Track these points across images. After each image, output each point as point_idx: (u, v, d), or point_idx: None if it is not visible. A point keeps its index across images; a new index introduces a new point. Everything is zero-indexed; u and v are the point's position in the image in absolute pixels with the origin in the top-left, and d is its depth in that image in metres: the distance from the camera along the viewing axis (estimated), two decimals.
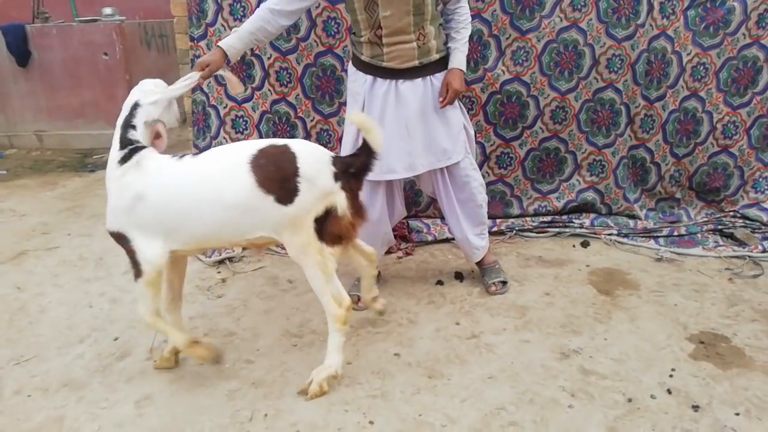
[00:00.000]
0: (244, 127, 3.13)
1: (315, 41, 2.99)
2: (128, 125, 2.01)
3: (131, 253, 1.97)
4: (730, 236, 3.15)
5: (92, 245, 3.32)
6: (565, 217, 3.36)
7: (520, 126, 3.19)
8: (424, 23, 2.28)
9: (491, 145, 3.23)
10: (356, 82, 2.45)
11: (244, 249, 3.06)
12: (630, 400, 1.97)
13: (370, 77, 2.40)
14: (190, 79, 2.16)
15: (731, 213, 3.32)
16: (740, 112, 3.19)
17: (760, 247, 2.99)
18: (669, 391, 2.01)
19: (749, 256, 2.94)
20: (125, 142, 1.99)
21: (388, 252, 3.04)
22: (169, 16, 3.09)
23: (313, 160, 1.92)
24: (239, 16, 2.96)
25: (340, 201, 1.94)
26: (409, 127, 2.39)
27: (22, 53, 5.34)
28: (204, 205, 1.89)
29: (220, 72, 2.28)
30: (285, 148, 1.92)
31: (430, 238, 3.24)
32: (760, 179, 3.31)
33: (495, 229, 3.22)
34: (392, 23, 2.24)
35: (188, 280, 2.82)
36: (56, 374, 2.19)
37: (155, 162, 1.96)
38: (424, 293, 2.72)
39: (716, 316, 2.46)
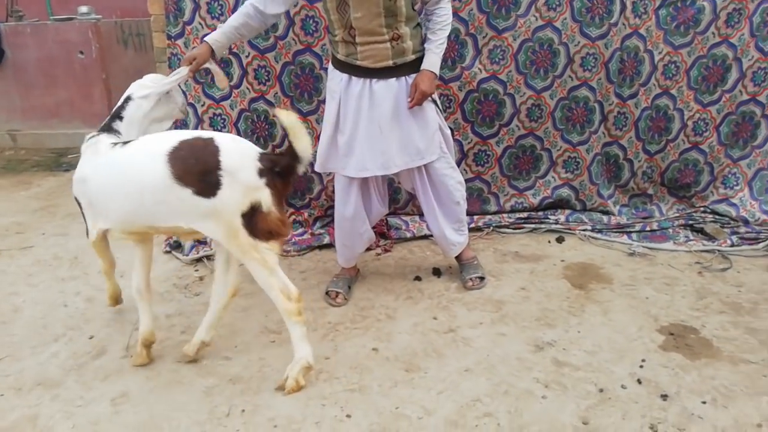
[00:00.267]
0: (222, 125, 3.13)
1: (293, 39, 3.00)
2: (116, 115, 2.17)
3: (84, 217, 2.19)
4: (701, 231, 3.23)
5: (67, 244, 3.29)
6: (540, 213, 3.41)
7: (497, 124, 3.23)
8: (398, 24, 2.29)
9: (469, 143, 3.27)
10: (333, 80, 2.47)
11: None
12: (601, 391, 2.02)
13: (345, 76, 2.41)
14: (179, 74, 2.26)
15: (701, 208, 3.40)
16: (710, 109, 3.27)
17: (728, 242, 3.07)
18: (639, 381, 2.06)
19: (718, 250, 3.01)
20: (103, 127, 2.14)
21: (367, 249, 3.05)
22: (146, 15, 3.07)
23: (236, 155, 1.91)
24: (217, 15, 2.95)
25: (265, 197, 1.92)
26: (383, 126, 2.40)
27: None
28: (124, 191, 1.97)
29: (207, 65, 2.35)
30: (209, 141, 1.92)
31: (408, 234, 3.27)
32: (729, 175, 3.39)
33: (472, 225, 3.26)
34: (363, 24, 2.26)
35: (165, 279, 2.85)
36: (30, 373, 2.17)
37: (102, 147, 2.06)
38: (402, 289, 2.74)
39: (686, 309, 2.52)
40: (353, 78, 2.40)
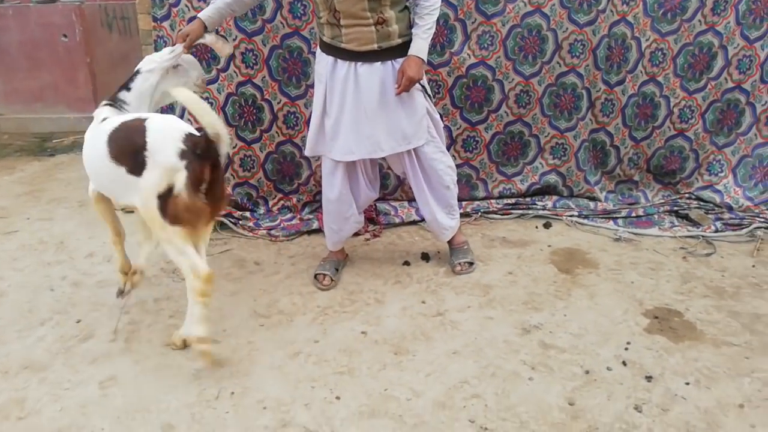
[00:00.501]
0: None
1: (281, 23, 2.98)
2: (124, 86, 2.30)
3: None
4: (685, 217, 3.27)
5: (52, 229, 3.26)
6: (528, 199, 3.43)
7: (485, 110, 3.24)
8: (382, 8, 2.25)
9: (457, 129, 3.27)
10: (320, 63, 2.46)
11: None
12: (587, 372, 2.05)
13: (331, 59, 2.40)
14: (174, 51, 2.35)
15: (686, 195, 3.44)
16: (696, 96, 3.29)
17: (712, 227, 3.12)
18: (624, 363, 2.09)
19: (702, 236, 3.06)
20: (111, 97, 2.28)
21: (356, 234, 3.05)
22: None
23: (160, 135, 1.93)
24: None
25: (179, 180, 1.90)
26: (368, 110, 2.39)
27: None
28: (93, 166, 2.15)
29: (202, 40, 2.42)
30: (140, 123, 1.97)
31: (397, 220, 3.28)
32: (714, 162, 3.43)
33: (461, 211, 3.23)
34: (347, 8, 2.23)
35: (153, 263, 2.82)
36: (17, 356, 2.16)
37: (96, 118, 2.21)
38: (391, 274, 2.75)
39: (670, 293, 2.56)
40: (339, 61, 2.38)
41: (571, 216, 3.28)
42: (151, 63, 2.33)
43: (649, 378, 2.01)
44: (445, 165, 2.59)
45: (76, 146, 4.85)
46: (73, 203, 3.63)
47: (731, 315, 2.39)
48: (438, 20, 2.92)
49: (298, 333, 2.30)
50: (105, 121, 2.13)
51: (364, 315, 2.42)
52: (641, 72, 3.23)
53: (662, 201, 3.42)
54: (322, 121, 2.49)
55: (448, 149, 3.22)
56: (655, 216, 3.28)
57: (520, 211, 3.35)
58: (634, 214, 3.29)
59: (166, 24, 2.96)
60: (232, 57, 3.02)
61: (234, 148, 3.20)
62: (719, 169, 3.43)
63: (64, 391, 1.98)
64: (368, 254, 2.96)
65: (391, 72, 2.38)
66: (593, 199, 3.42)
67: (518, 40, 3.09)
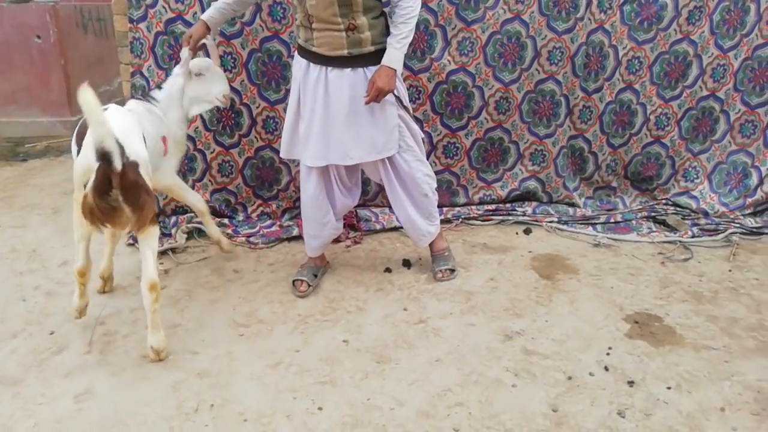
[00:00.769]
0: None
1: (260, 26, 2.95)
2: (158, 84, 2.58)
3: None
4: (663, 223, 3.32)
5: (25, 236, 3.17)
6: (508, 205, 3.44)
7: (465, 116, 3.25)
8: (354, 14, 2.22)
9: (438, 135, 3.28)
10: (296, 65, 2.45)
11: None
12: (570, 378, 2.06)
13: (305, 62, 2.37)
14: (183, 56, 2.48)
15: (663, 201, 3.49)
16: (672, 104, 3.35)
17: (689, 233, 3.16)
18: (606, 369, 2.10)
19: (680, 241, 3.10)
20: (145, 92, 2.56)
21: (337, 241, 3.04)
22: (107, 0, 2.97)
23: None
24: None
25: (90, 180, 1.91)
26: (338, 116, 2.35)
27: None
28: None
29: (204, 41, 2.50)
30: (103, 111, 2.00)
31: (378, 226, 3.26)
32: (690, 168, 3.49)
33: (442, 217, 3.23)
34: (318, 12, 2.21)
35: (129, 272, 2.78)
36: None
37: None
38: (372, 281, 2.73)
39: (650, 298, 2.59)
40: (311, 65, 2.35)
41: (550, 222, 3.31)
42: (180, 68, 2.50)
43: (631, 383, 2.03)
44: (422, 173, 2.56)
45: (50, 151, 4.75)
46: (47, 210, 3.54)
47: (710, 319, 2.42)
48: (418, 26, 2.93)
49: (279, 342, 2.26)
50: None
51: (346, 323, 2.40)
52: (618, 80, 3.27)
53: (640, 207, 3.47)
54: (296, 124, 2.47)
55: (429, 155, 3.24)
56: (633, 222, 3.32)
57: (501, 217, 3.37)
58: (612, 220, 3.32)
59: (142, 25, 2.91)
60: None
61: (212, 153, 3.16)
62: (695, 176, 3.49)
63: (38, 406, 1.92)
64: (349, 261, 2.94)
65: (362, 79, 2.32)
66: (572, 205, 3.45)
67: (498, 46, 3.11)
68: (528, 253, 3.01)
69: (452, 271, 2.74)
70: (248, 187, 3.27)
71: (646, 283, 2.72)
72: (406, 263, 2.88)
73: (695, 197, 3.45)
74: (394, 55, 2.27)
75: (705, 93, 3.34)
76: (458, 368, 2.11)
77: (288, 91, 3.02)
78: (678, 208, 3.43)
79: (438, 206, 2.74)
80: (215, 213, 3.22)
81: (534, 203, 3.46)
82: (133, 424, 1.85)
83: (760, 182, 3.40)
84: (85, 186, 1.94)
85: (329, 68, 2.32)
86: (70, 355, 2.19)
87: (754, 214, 3.37)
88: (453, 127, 3.27)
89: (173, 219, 3.18)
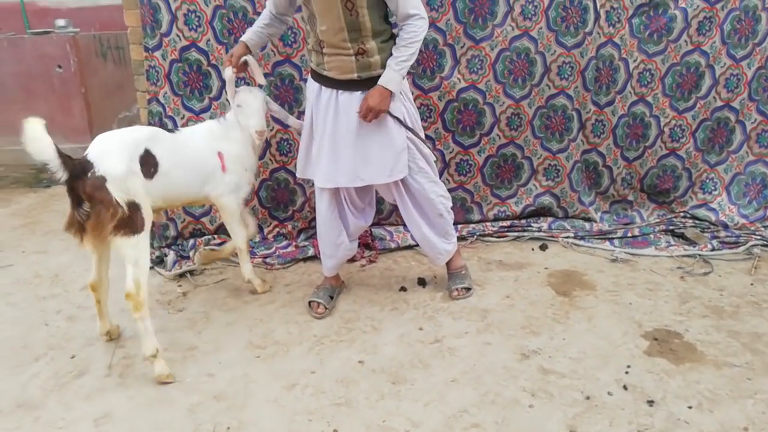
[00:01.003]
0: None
1: (272, 50, 3.00)
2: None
3: None
4: (681, 236, 3.27)
5: (48, 262, 3.24)
6: (523, 221, 3.43)
7: (477, 133, 3.26)
8: (364, 39, 2.25)
9: (450, 153, 3.29)
10: (308, 88, 2.50)
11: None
12: (588, 398, 2.03)
13: (317, 85, 2.42)
14: (227, 77, 2.50)
15: (681, 214, 3.45)
16: (686, 115, 3.32)
17: (709, 246, 3.11)
18: (625, 387, 2.07)
19: (699, 255, 3.06)
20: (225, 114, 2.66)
21: (352, 260, 3.05)
22: (124, 28, 3.04)
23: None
24: (194, 26, 2.95)
25: None
26: (347, 138, 2.38)
27: None
28: None
29: (246, 58, 2.51)
30: None
31: (393, 245, 3.27)
32: (707, 180, 3.45)
33: (457, 234, 3.25)
34: (328, 38, 2.26)
35: (148, 294, 2.80)
36: (11, 395, 2.13)
37: None
38: (387, 300, 2.74)
39: (669, 313, 2.55)
40: (323, 88, 2.40)
41: (567, 237, 3.28)
42: (227, 86, 2.55)
43: (650, 402, 1.99)
44: (437, 194, 2.56)
45: None
46: (69, 235, 3.60)
47: (731, 335, 2.37)
48: (427, 45, 2.96)
49: (295, 364, 2.27)
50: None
51: (361, 343, 2.40)
52: (630, 92, 3.26)
53: (657, 220, 3.43)
54: (310, 144, 2.51)
55: (442, 173, 3.25)
56: (651, 236, 3.28)
57: (516, 234, 3.35)
58: (629, 234, 3.29)
59: (157, 54, 2.98)
60: (224, 86, 3.03)
61: None
62: (713, 188, 3.44)
63: (58, 430, 1.95)
64: (364, 280, 2.95)
65: None
66: (588, 219, 3.42)
67: (507, 63, 3.12)
68: (544, 270, 2.99)
69: (468, 289, 2.74)
70: (264, 208, 3.31)
71: (665, 298, 2.68)
72: (421, 282, 2.88)
73: (714, 209, 3.41)
74: (391, 77, 2.28)
75: (719, 103, 3.31)
76: (474, 388, 2.10)
77: (300, 113, 3.07)
78: (697, 221, 3.39)
79: (453, 224, 2.73)
80: None
81: (549, 219, 3.44)
82: None
83: None
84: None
85: (340, 91, 2.36)
86: (90, 378, 2.22)
87: None
88: (465, 144, 3.28)
89: (191, 242, 3.22)
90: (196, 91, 3.06)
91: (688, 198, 3.47)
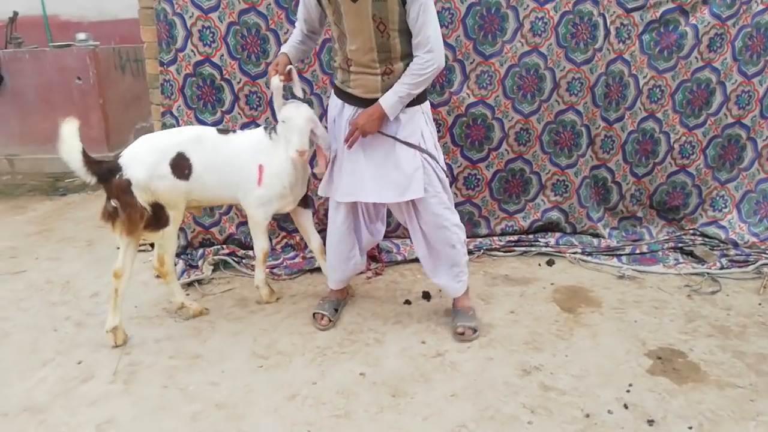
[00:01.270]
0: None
1: None
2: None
3: None
4: (690, 254, 3.24)
5: (60, 269, 3.30)
6: (531, 236, 3.42)
7: (486, 148, 3.27)
8: (392, 60, 2.27)
9: (458, 167, 3.30)
10: (331, 104, 2.53)
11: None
12: (588, 416, 2.01)
13: (340, 102, 2.46)
14: (273, 86, 2.42)
15: (691, 231, 3.42)
16: (696, 132, 3.30)
17: (718, 264, 3.08)
18: (626, 406, 2.06)
19: (708, 273, 3.02)
20: (273, 126, 2.64)
21: (358, 273, 3.06)
22: (143, 42, 3.13)
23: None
24: (209, 42, 3.01)
25: None
26: (367, 155, 2.40)
27: None
28: None
29: (290, 66, 2.44)
30: None
31: (399, 258, 3.28)
32: (717, 197, 3.42)
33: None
34: (357, 57, 2.29)
35: (155, 303, 2.86)
36: (17, 399, 2.17)
37: None
38: (391, 313, 2.75)
39: (674, 332, 2.52)
40: (346, 105, 2.44)
41: (574, 253, 3.27)
42: (275, 97, 2.53)
43: (651, 422, 1.97)
44: (450, 223, 2.47)
45: (88, 186, 4.94)
46: (82, 243, 3.68)
47: (736, 355, 2.34)
48: None
49: (296, 374, 2.29)
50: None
51: (364, 356, 2.41)
52: (640, 109, 3.26)
53: (667, 237, 3.40)
54: (332, 168, 2.54)
55: (449, 187, 3.24)
56: (660, 253, 3.25)
57: (523, 248, 3.35)
58: (638, 251, 3.27)
59: (172, 68, 3.05)
60: (236, 99, 3.10)
61: None
62: (723, 205, 3.41)
63: None
64: (369, 293, 2.96)
65: (393, 122, 2.35)
66: (597, 235, 3.40)
67: (516, 79, 3.14)
68: (550, 285, 2.98)
69: (475, 330, 2.51)
70: (273, 219, 3.34)
71: (670, 316, 2.65)
72: (426, 296, 2.89)
73: (724, 227, 3.37)
74: (388, 97, 2.27)
75: (730, 120, 3.29)
76: (474, 403, 2.10)
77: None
78: (706, 239, 3.35)
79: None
80: (241, 245, 3.31)
81: (557, 234, 3.43)
82: None
83: None
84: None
85: (362, 109, 2.36)
86: (95, 384, 2.26)
87: None
88: (473, 158, 3.29)
89: (200, 251, 3.27)
90: (209, 105, 3.12)
91: (698, 215, 3.44)
